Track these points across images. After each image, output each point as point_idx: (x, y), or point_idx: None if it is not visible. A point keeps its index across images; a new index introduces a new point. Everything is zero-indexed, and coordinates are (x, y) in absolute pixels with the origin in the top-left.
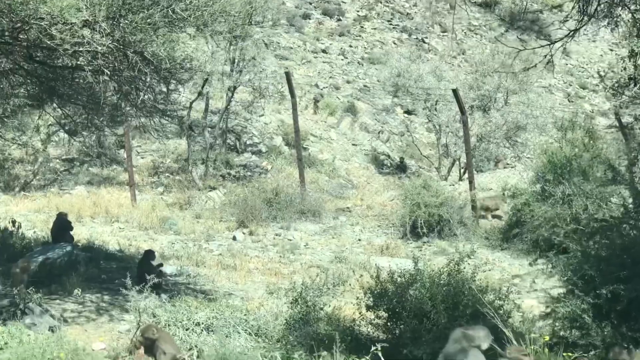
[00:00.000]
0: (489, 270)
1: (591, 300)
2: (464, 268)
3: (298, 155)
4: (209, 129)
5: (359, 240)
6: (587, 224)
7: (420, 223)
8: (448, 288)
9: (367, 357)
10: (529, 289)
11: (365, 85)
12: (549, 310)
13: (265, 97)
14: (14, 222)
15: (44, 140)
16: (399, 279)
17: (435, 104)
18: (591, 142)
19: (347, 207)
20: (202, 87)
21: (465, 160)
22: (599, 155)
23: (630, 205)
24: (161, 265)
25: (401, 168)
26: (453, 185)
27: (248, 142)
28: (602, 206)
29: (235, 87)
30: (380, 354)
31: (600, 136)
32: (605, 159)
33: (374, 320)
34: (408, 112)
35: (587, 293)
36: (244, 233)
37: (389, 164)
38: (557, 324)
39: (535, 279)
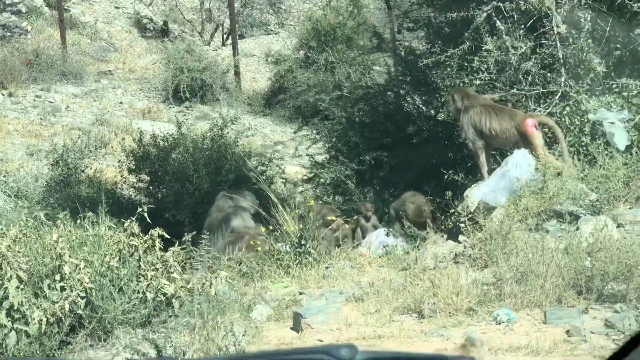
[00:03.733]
0: (252, 136)
1: (355, 167)
2: (227, 133)
3: (60, 17)
4: None
5: (121, 103)
6: (351, 90)
7: (183, 87)
8: (211, 153)
9: (133, 219)
10: (292, 155)
11: None
12: (312, 175)
13: None
14: None
15: None
16: (161, 143)
17: None
18: (355, 10)
19: (109, 70)
20: None
21: (228, 26)
22: (365, 22)
23: (394, 73)
24: None
25: (164, 32)
26: (216, 50)
27: (7, 2)
28: (365, 74)
29: None
30: (146, 215)
31: (364, 4)
32: (371, 26)
33: (136, 183)
34: None
35: (352, 159)
36: (2, 94)
37: (151, 28)
38: (319, 189)
39: (299, 146)
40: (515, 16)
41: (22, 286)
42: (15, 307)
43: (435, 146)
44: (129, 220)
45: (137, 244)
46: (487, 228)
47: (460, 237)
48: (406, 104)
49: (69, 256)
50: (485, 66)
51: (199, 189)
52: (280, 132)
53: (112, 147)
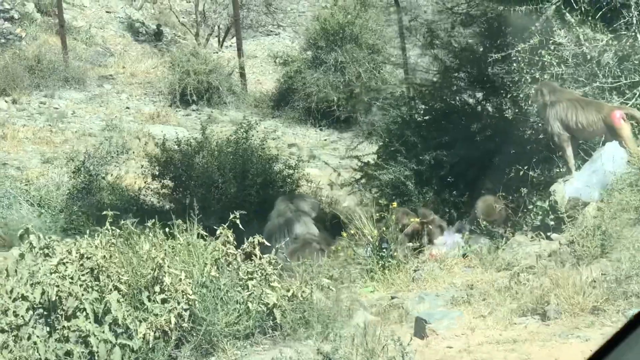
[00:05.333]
0: (279, 138)
1: (414, 167)
2: (252, 136)
3: (60, 22)
4: None
5: (128, 108)
6: (408, 88)
7: (190, 90)
8: (236, 157)
9: (224, 225)
10: (343, 156)
11: None
12: (358, 176)
13: None
14: None
15: None
16: (185, 147)
17: None
18: (363, 8)
19: (110, 75)
20: None
21: (222, 27)
22: (418, 18)
23: (450, 70)
24: None
25: (157, 36)
26: (217, 52)
27: None
28: (375, 73)
29: None
30: (238, 221)
31: (371, 3)
32: (426, 23)
33: (160, 189)
34: None
35: (410, 159)
36: (6, 101)
37: (144, 32)
38: (369, 191)
39: (314, 148)
40: (584, 7)
41: (122, 299)
42: (119, 322)
43: (496, 143)
44: (221, 227)
45: (234, 253)
46: (583, 223)
47: (553, 235)
48: (459, 102)
49: (168, 266)
50: (557, 60)
51: (226, 193)
52: (292, 134)
53: (133, 152)
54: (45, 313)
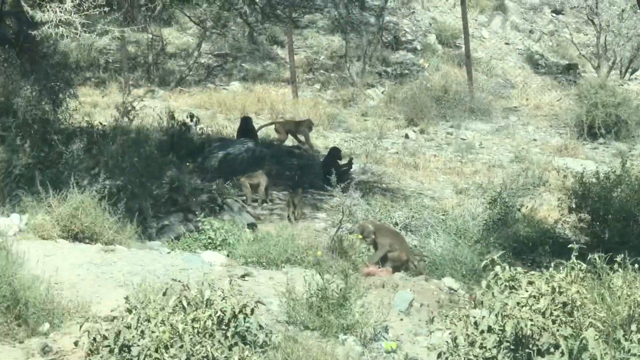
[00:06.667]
0: None
1: None
2: None
3: (466, 53)
4: (364, 25)
5: (534, 140)
6: None
7: (598, 124)
8: None
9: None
10: None
11: None
12: None
13: None
14: (191, 116)
15: (200, 35)
16: (604, 181)
17: (596, 2)
18: None
19: (515, 107)
20: None
21: (625, 60)
22: None
23: None
24: (351, 163)
25: (565, 71)
26: (622, 85)
27: (403, 39)
28: None
29: None
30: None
31: None
32: None
33: (577, 223)
34: (556, 11)
35: None
36: (414, 131)
37: (543, 64)
38: None
39: None
40: None
41: (597, 336)
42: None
43: None
44: None
45: None
46: None
47: None
48: None
49: None
50: None
51: None
52: None
53: (550, 184)
54: (512, 347)
